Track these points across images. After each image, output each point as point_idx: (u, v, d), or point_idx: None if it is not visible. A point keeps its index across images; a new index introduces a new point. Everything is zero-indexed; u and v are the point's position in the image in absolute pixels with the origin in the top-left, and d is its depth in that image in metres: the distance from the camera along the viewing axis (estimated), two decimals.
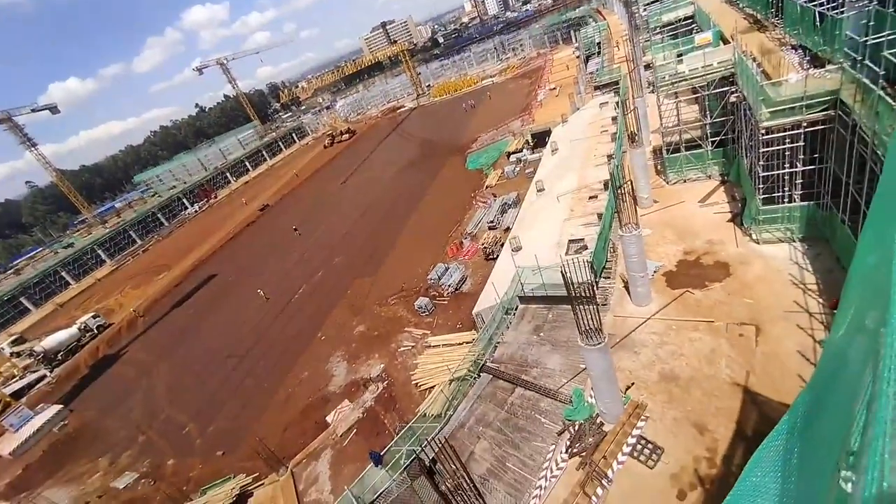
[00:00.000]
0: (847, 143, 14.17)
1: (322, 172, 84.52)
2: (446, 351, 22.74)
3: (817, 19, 16.10)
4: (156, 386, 34.48)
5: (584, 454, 13.56)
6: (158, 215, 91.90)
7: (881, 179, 5.60)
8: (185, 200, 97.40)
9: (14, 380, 44.57)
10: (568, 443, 14.02)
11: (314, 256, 45.17)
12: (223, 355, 33.87)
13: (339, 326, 30.79)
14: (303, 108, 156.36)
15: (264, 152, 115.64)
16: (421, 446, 15.34)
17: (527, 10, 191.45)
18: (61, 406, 36.41)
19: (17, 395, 41.63)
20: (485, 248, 30.36)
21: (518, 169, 42.57)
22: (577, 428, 14.24)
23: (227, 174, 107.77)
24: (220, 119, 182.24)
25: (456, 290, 28.46)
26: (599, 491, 12.45)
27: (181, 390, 32.41)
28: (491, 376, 18.03)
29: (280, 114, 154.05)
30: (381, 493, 15.46)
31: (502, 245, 27.87)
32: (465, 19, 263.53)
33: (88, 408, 35.77)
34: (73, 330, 49.20)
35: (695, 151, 24.05)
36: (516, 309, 20.64)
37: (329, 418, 22.16)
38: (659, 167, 26.55)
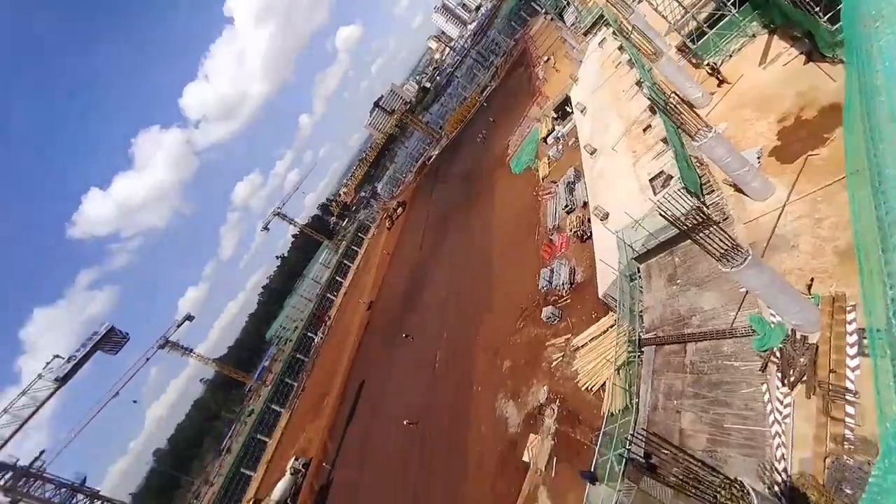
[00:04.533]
0: None
1: (398, 251, 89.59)
2: (596, 345, 21.94)
3: None
4: (370, 496, 37.23)
5: (805, 379, 11.90)
6: (297, 356, 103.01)
7: None
8: (309, 333, 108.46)
9: None
10: (779, 374, 12.46)
11: (431, 324, 47.09)
12: (405, 450, 35.75)
13: (487, 372, 31.27)
14: (353, 209, 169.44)
15: (345, 261, 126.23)
16: (626, 447, 14.72)
17: (482, 12, 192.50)
18: None
19: None
20: (574, 233, 29.52)
21: (561, 147, 41.54)
22: (780, 355, 12.66)
23: (328, 295, 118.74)
24: (299, 256, 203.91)
25: (571, 285, 27.75)
26: (850, 409, 10.57)
27: (390, 493, 34.59)
28: (654, 346, 16.98)
29: (340, 224, 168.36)
30: None
31: (589, 221, 26.94)
32: (437, 56, 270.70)
33: None
34: (288, 476, 55.69)
35: (722, 23, 21.79)
36: (639, 272, 19.55)
37: (525, 458, 22.13)
38: (695, 60, 24.34)
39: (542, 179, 41.41)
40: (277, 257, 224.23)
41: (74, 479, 35.69)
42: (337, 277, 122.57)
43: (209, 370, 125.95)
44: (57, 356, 38.81)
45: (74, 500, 35.16)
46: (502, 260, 40.10)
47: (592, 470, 16.18)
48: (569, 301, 27.15)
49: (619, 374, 17.96)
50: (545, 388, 24.26)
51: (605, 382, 19.69)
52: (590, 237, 26.90)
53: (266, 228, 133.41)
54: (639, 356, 17.62)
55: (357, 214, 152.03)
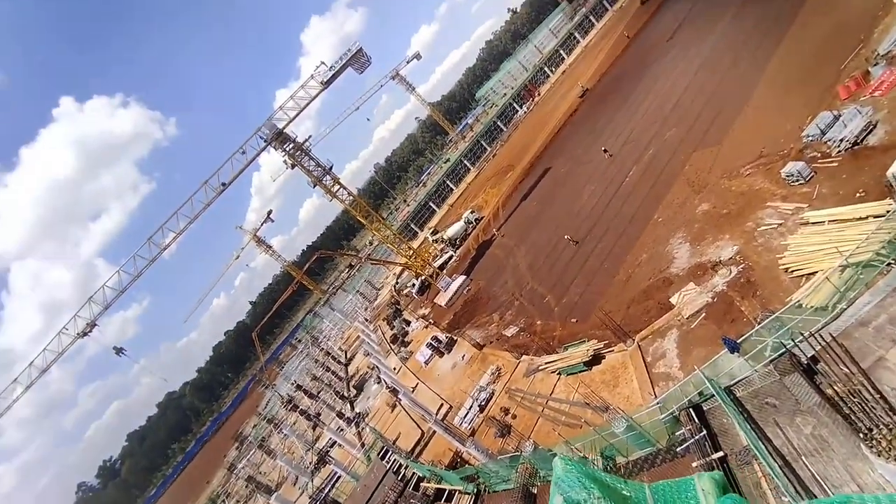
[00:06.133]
0: None
1: (640, 36, 73.80)
2: (835, 228, 17.22)
3: None
4: (519, 264, 43.24)
5: None
6: (498, 123, 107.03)
7: None
8: (514, 104, 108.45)
9: (436, 258, 66.23)
10: None
11: (641, 136, 41.83)
12: (566, 240, 38.11)
13: (677, 206, 28.36)
14: None
15: (576, 34, 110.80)
16: (794, 340, 13.15)
17: None
18: (465, 276, 51.76)
19: (440, 267, 61.98)
20: None
21: None
22: None
23: (545, 68, 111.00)
24: (531, 14, 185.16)
25: (855, 144, 20.19)
26: None
27: (537, 268, 39.32)
28: None
29: None
30: (740, 381, 14.56)
31: None
32: None
33: (480, 278, 49.25)
34: (461, 223, 67.20)
35: None
36: None
37: (673, 300, 21.77)
38: None
39: None
40: (509, 10, 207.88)
41: (326, 164, 49.06)
42: (561, 51, 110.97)
43: (423, 111, 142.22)
44: (322, 63, 47.48)
45: (325, 178, 49.11)
46: (772, 83, 30.13)
47: (738, 341, 15.33)
48: (835, 165, 20.37)
49: (842, 271, 14.49)
50: (735, 247, 21.32)
51: (816, 272, 16.27)
52: None
53: None
54: (889, 263, 13.54)
55: None
